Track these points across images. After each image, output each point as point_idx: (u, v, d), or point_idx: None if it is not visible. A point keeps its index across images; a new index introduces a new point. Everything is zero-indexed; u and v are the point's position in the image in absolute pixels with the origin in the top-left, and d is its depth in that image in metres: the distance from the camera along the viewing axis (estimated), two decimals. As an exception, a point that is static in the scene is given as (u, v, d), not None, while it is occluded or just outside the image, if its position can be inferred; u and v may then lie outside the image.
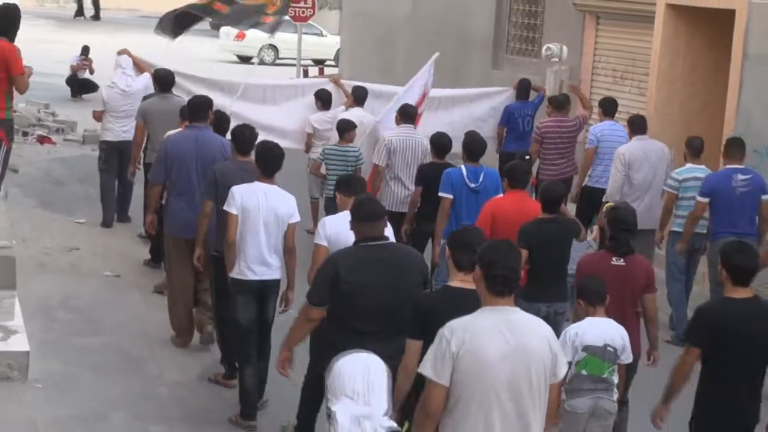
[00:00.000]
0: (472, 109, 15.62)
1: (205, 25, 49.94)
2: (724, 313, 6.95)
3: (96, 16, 52.19)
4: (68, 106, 24.53)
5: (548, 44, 17.42)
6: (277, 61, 38.82)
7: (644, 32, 15.94)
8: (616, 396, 7.75)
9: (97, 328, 10.72)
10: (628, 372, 8.10)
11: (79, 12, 52.72)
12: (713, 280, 10.94)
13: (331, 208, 11.57)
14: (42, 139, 20.15)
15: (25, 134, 20.11)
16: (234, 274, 8.90)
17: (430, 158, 12.00)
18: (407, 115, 12.81)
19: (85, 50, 26.59)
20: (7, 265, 10.62)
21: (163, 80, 12.94)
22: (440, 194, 10.78)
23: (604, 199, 12.45)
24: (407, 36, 23.35)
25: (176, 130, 11.20)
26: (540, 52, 19.03)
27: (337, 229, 7.94)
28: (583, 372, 7.62)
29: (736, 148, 11.39)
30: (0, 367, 9.11)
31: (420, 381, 5.81)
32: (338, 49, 31.34)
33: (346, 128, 13.24)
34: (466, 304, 5.86)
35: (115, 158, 14.35)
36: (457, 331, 5.53)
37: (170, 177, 10.43)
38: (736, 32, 13.89)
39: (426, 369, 5.57)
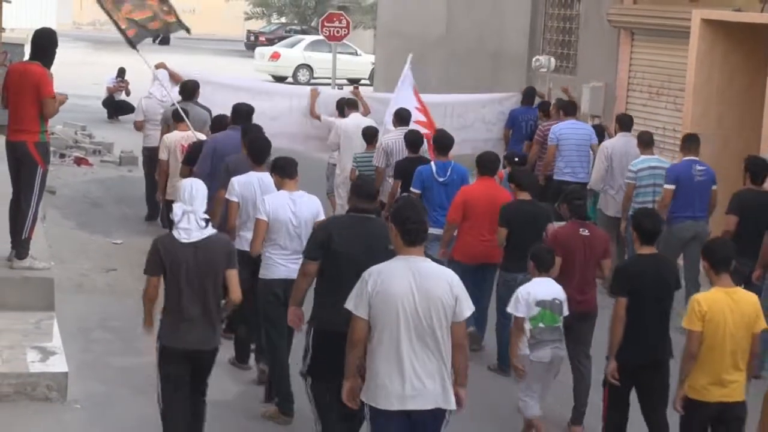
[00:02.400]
0: (484, 113, 16.86)
1: (240, 45, 50.35)
2: (636, 267, 8.52)
3: (164, 41, 52.68)
4: (105, 128, 24.68)
5: (536, 56, 18.67)
6: (312, 81, 38.94)
7: (680, 47, 15.87)
8: (564, 343, 9.18)
9: (135, 348, 10.74)
10: (587, 327, 9.58)
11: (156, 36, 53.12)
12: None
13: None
14: (79, 161, 20.29)
15: (62, 156, 20.26)
16: (236, 245, 9.65)
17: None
18: (402, 118, 14.11)
19: (122, 72, 26.75)
20: (45, 286, 10.70)
21: (185, 90, 14.09)
22: (411, 189, 12.01)
23: (589, 187, 13.95)
24: (441, 55, 23.35)
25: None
26: (575, 69, 19.04)
27: (275, 205, 9.30)
28: (541, 325, 8.98)
29: (693, 142, 12.75)
30: (39, 388, 9.17)
31: None
32: (372, 68, 31.41)
33: (372, 135, 14.26)
34: None
35: (155, 163, 14.70)
36: (373, 274, 6.87)
37: (214, 172, 11.29)
38: (773, 46, 13.84)
39: (349, 305, 6.91)
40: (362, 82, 36.70)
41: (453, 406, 6.97)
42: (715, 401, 7.71)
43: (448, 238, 11.19)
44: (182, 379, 7.80)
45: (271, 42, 46.87)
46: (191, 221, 7.60)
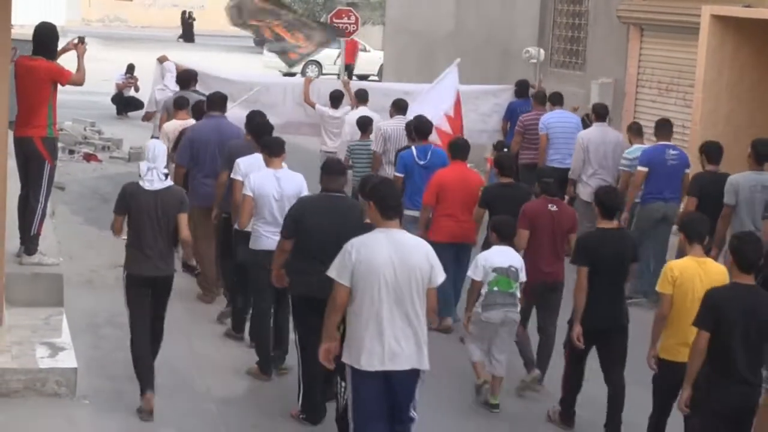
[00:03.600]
0: (478, 104, 17.27)
1: (249, 42, 50.50)
2: (597, 239, 9.30)
3: (189, 38, 52.94)
4: (114, 124, 24.69)
5: (526, 48, 19.03)
6: (321, 77, 38.89)
7: (689, 43, 15.84)
8: (519, 308, 9.82)
9: (144, 344, 10.74)
10: (556, 297, 10.29)
11: (183, 35, 53.53)
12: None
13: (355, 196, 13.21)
14: (88, 157, 20.30)
15: (71, 152, 20.29)
16: (238, 226, 10.59)
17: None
18: (399, 107, 14.69)
19: (131, 68, 26.77)
20: (54, 282, 10.72)
21: (181, 79, 14.73)
22: (395, 173, 12.70)
23: (569, 176, 14.50)
24: (450, 51, 23.28)
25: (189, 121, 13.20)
26: (584, 65, 19.02)
27: (260, 182, 10.07)
28: (495, 289, 9.68)
29: (665, 128, 13.30)
30: (48, 384, 9.19)
31: None
32: (381, 64, 31.41)
33: (366, 124, 14.91)
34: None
35: None
36: (355, 245, 7.48)
37: (196, 159, 12.12)
38: (783, 42, 13.80)
39: (332, 273, 7.53)
40: (371, 78, 36.66)
41: (427, 366, 7.61)
42: (684, 361, 8.03)
43: (424, 220, 11.78)
44: (144, 299, 9.25)
45: (280, 38, 46.79)
46: (154, 175, 9.11)
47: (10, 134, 10.65)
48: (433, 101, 14.99)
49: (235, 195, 10.68)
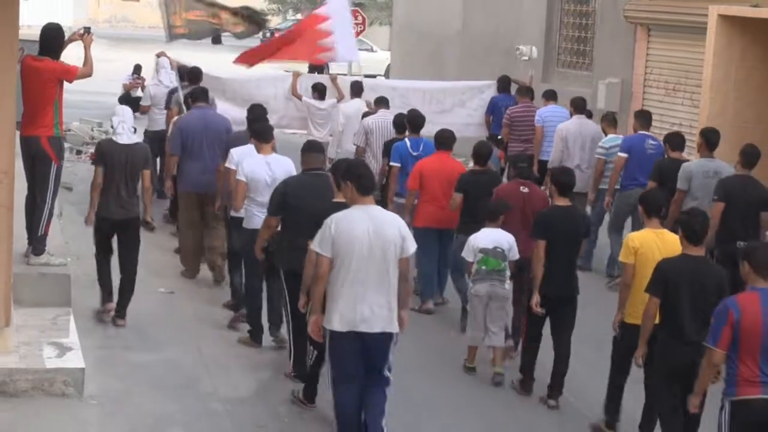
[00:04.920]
0: (463, 99, 17.82)
1: (256, 42, 50.52)
2: (552, 215, 10.13)
3: (216, 41, 52.93)
4: (121, 125, 24.62)
5: (518, 45, 19.29)
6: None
7: (696, 43, 15.83)
8: (508, 284, 10.57)
9: (151, 344, 10.76)
10: (525, 274, 10.67)
11: (213, 37, 53.56)
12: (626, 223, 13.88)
13: None
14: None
15: (78, 153, 20.28)
16: (233, 213, 11.44)
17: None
18: (381, 101, 15.58)
19: (138, 69, 26.69)
20: (62, 282, 10.72)
21: (193, 76, 15.43)
22: (390, 164, 13.30)
23: (548, 166, 14.65)
24: (457, 51, 23.34)
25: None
26: (591, 65, 19.01)
27: (252, 167, 10.82)
28: (483, 267, 10.55)
29: (646, 119, 13.96)
30: (56, 384, 9.19)
31: None
32: (389, 65, 31.40)
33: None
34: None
35: (156, 145, 15.52)
36: (335, 219, 8.21)
37: (185, 147, 12.86)
38: (791, 42, 13.77)
39: (315, 246, 8.25)
40: (378, 78, 36.60)
41: (397, 329, 8.31)
42: None
43: (409, 204, 12.42)
44: (109, 236, 11.11)
45: (287, 38, 46.72)
46: (125, 129, 10.89)
47: (17, 134, 10.64)
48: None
49: (229, 182, 11.32)
